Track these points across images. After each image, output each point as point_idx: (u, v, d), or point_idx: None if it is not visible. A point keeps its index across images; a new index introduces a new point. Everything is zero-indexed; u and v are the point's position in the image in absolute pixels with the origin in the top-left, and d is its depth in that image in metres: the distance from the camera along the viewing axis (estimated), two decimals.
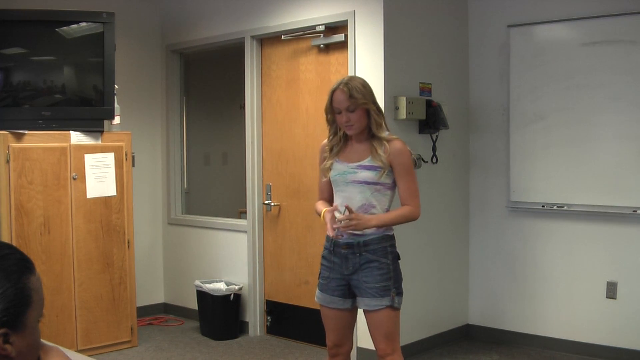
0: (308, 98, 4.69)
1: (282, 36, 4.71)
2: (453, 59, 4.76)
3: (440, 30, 4.66)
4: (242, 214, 5.34)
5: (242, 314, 5.06)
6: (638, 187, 4.17)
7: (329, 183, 2.98)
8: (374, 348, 2.96)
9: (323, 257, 2.98)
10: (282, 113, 4.85)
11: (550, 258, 4.55)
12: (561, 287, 4.51)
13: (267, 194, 4.96)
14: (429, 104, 4.40)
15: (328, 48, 4.54)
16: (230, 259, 5.20)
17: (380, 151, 2.84)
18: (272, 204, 4.93)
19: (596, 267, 4.37)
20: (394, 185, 2.91)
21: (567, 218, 4.46)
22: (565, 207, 4.44)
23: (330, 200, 3.01)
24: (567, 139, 4.40)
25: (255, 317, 5.02)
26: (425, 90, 4.48)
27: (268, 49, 4.93)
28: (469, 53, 4.85)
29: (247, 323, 5.05)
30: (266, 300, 5.01)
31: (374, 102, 2.89)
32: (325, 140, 3.03)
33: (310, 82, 4.67)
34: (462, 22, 4.82)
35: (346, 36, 4.37)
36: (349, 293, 2.91)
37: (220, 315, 4.94)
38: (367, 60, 4.27)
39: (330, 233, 2.81)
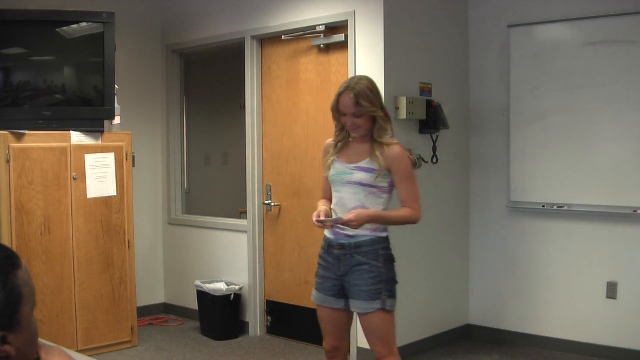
0: (308, 98, 4.69)
1: (282, 36, 4.71)
2: (453, 59, 4.76)
3: (440, 30, 4.66)
4: (242, 214, 5.34)
5: (242, 314, 5.06)
6: (638, 187, 4.16)
7: None
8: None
9: (320, 256, 2.99)
10: (282, 113, 4.85)
11: (550, 258, 4.55)
12: (561, 287, 4.51)
13: (267, 194, 4.96)
14: (429, 104, 4.40)
15: (328, 48, 4.54)
16: (230, 259, 5.20)
17: (377, 153, 2.83)
18: (272, 204, 4.93)
19: (596, 267, 4.37)
20: (389, 190, 2.90)
21: (567, 218, 4.46)
22: (565, 207, 4.44)
23: (331, 199, 3.00)
24: (567, 139, 4.41)
25: (255, 317, 5.02)
26: (425, 90, 4.49)
27: (268, 49, 4.93)
28: (469, 53, 4.85)
29: (247, 323, 5.05)
30: (266, 300, 5.01)
31: (382, 107, 2.86)
32: (330, 139, 3.02)
33: (310, 82, 4.67)
34: (462, 22, 4.82)
35: (346, 36, 4.37)
36: (343, 293, 2.91)
37: (220, 315, 4.94)
38: (367, 60, 4.27)
39: (314, 217, 2.82)
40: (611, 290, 4.31)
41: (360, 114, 2.81)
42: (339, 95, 2.85)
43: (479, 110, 4.83)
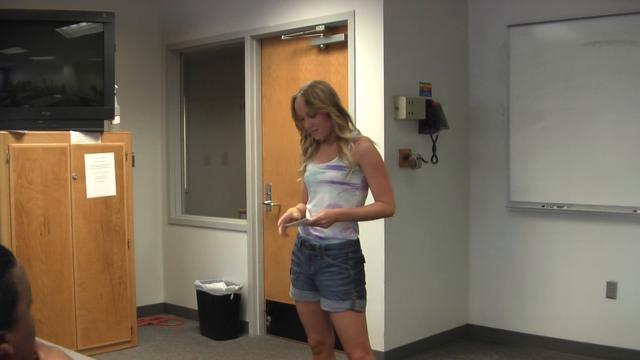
0: None
1: (282, 36, 4.71)
2: (453, 59, 4.76)
3: (440, 30, 4.66)
4: (242, 214, 5.35)
5: (242, 314, 5.06)
6: (638, 187, 4.16)
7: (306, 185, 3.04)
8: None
9: (293, 252, 3.04)
10: (282, 113, 4.85)
11: (550, 258, 4.55)
12: (561, 287, 4.51)
13: (267, 194, 4.96)
14: (429, 104, 4.40)
15: (328, 48, 4.54)
16: (230, 259, 5.20)
17: (346, 150, 2.87)
18: (272, 204, 4.93)
19: (596, 267, 4.37)
20: (363, 186, 2.93)
21: (567, 218, 4.46)
22: (565, 207, 4.44)
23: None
24: (567, 139, 4.41)
25: (255, 317, 5.02)
26: (425, 90, 4.49)
27: (268, 49, 4.93)
28: (469, 53, 4.85)
29: (247, 323, 5.05)
30: (266, 300, 5.01)
31: (335, 105, 2.90)
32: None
33: None
34: (462, 22, 4.82)
35: (346, 36, 4.37)
36: (317, 288, 2.95)
37: (220, 315, 4.94)
38: (367, 60, 4.27)
39: (280, 231, 2.87)
40: (611, 290, 4.31)
41: (314, 113, 2.86)
42: (293, 102, 2.93)
43: (479, 110, 4.83)
